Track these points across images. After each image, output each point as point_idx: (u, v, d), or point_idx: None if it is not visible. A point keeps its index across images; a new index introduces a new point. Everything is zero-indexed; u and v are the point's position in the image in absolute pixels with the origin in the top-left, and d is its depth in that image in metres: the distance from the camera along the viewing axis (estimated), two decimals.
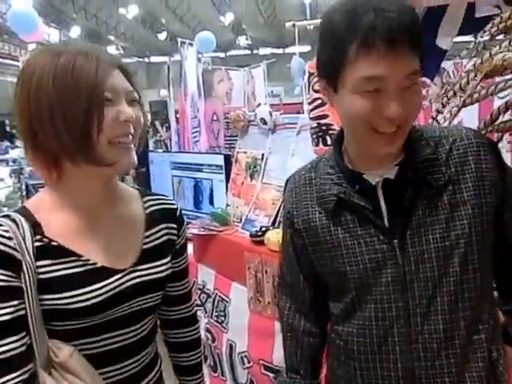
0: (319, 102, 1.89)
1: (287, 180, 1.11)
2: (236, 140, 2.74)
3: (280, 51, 22.49)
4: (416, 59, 0.82)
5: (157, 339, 1.08)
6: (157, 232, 1.02)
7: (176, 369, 1.19)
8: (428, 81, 2.00)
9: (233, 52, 24.56)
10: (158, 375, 1.05)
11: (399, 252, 0.90)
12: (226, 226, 2.37)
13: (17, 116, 0.87)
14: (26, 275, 0.82)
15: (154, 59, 25.67)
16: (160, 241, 1.01)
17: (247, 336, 2.07)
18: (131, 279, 0.93)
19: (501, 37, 1.15)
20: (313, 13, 16.39)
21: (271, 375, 1.94)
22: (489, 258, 0.92)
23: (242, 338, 2.09)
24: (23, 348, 0.81)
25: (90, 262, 0.89)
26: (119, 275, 0.91)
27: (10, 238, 0.82)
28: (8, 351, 0.80)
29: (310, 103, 1.96)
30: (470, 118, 2.01)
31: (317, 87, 1.88)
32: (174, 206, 1.09)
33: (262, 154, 2.44)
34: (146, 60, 26.16)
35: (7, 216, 0.86)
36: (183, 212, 1.13)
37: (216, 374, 2.33)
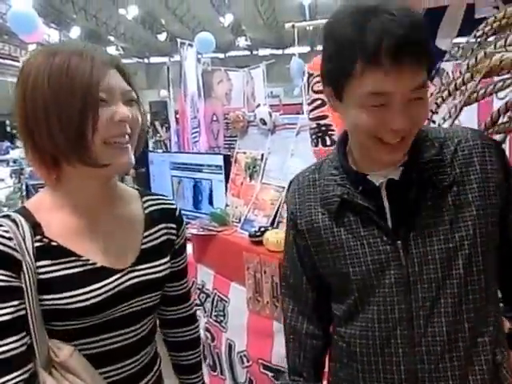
0: (319, 102, 1.89)
1: (291, 181, 1.11)
2: (235, 140, 2.75)
3: (279, 52, 22.49)
4: (424, 73, 0.82)
5: (156, 339, 1.08)
6: (156, 232, 1.02)
7: (175, 368, 1.19)
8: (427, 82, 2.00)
9: (232, 53, 24.57)
10: (157, 374, 1.05)
11: (403, 253, 0.90)
12: (225, 226, 2.37)
13: (16, 116, 0.87)
14: (26, 275, 0.82)
15: (154, 60, 25.67)
16: (159, 241, 1.01)
17: (246, 335, 2.07)
18: (130, 279, 0.93)
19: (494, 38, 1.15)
20: (312, 14, 16.40)
21: (270, 374, 1.94)
22: (493, 259, 0.92)
23: (241, 337, 2.09)
24: (23, 348, 0.82)
25: (90, 262, 0.89)
26: (118, 275, 0.91)
27: (10, 239, 0.82)
28: (8, 351, 0.80)
29: (309, 104, 1.97)
30: (468, 118, 2.01)
31: (316, 88, 1.89)
32: (174, 206, 1.09)
33: (262, 155, 2.44)
34: (146, 61, 26.17)
35: (7, 216, 0.86)
36: (183, 212, 1.13)
37: (215, 373, 2.34)
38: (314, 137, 1.94)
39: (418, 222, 0.89)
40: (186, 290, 1.15)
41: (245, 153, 2.57)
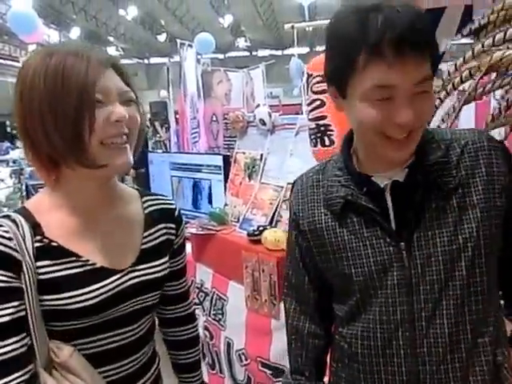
0: (318, 103, 1.89)
1: (294, 181, 1.11)
2: (235, 141, 2.76)
3: (279, 53, 22.51)
4: (427, 65, 0.81)
5: (155, 338, 1.08)
6: (155, 232, 1.02)
7: (175, 367, 1.19)
8: None
9: (232, 53, 24.60)
10: (156, 374, 1.05)
11: (406, 255, 0.89)
12: (223, 226, 2.38)
13: (15, 117, 0.87)
14: (26, 276, 0.82)
15: (154, 60, 25.70)
16: (158, 241, 1.02)
17: (244, 334, 2.08)
18: (130, 279, 0.93)
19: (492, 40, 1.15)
20: (311, 15, 16.38)
21: (268, 372, 1.95)
22: (496, 261, 0.92)
23: (240, 335, 2.10)
24: (24, 349, 0.82)
25: (90, 262, 0.89)
26: (118, 275, 0.92)
27: (10, 239, 0.82)
28: (9, 352, 0.80)
29: (308, 104, 1.97)
30: (466, 118, 2.02)
31: (315, 88, 1.89)
32: (173, 206, 1.09)
33: (261, 155, 2.45)
34: (146, 61, 26.18)
35: (7, 216, 0.86)
36: (182, 212, 1.13)
37: (214, 372, 2.34)
38: (312, 137, 1.95)
39: (422, 224, 0.89)
40: (185, 289, 1.16)
41: (244, 153, 2.58)
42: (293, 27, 3.24)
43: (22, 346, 0.81)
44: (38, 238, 0.86)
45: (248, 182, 2.49)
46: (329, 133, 1.88)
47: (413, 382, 0.91)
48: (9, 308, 0.81)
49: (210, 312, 2.33)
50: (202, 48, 5.28)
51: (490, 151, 0.90)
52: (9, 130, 13.36)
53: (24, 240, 0.83)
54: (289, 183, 2.18)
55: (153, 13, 19.58)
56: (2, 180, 5.97)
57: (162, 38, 21.69)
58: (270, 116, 2.45)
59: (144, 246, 0.98)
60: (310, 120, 1.94)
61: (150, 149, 7.15)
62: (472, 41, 1.25)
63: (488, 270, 0.89)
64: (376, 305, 0.93)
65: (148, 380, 1.02)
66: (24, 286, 0.82)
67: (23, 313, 0.82)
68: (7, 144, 10.65)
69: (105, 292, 0.88)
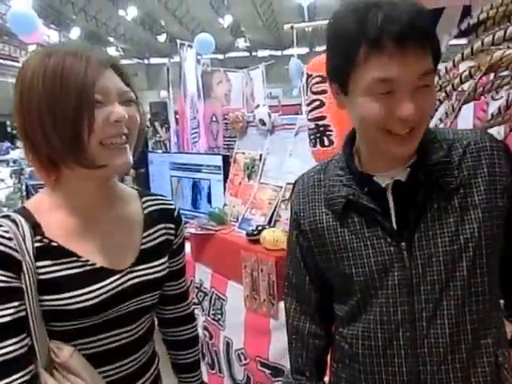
0: (317, 103, 1.89)
1: (296, 181, 1.10)
2: (235, 141, 2.76)
3: (278, 53, 22.52)
4: (429, 59, 0.81)
5: (155, 338, 1.08)
6: (155, 232, 1.02)
7: (174, 367, 1.19)
8: None
9: (232, 54, 24.61)
10: (155, 373, 1.06)
11: (406, 255, 0.89)
12: (222, 226, 2.38)
13: (14, 116, 0.87)
14: (26, 276, 0.82)
15: (154, 61, 25.71)
16: (158, 241, 1.02)
17: (243, 333, 2.08)
18: (130, 279, 0.93)
19: (489, 39, 1.15)
20: (311, 15, 16.39)
21: (267, 372, 1.96)
22: (497, 262, 0.91)
23: (239, 335, 2.11)
24: (25, 349, 0.82)
25: (90, 262, 0.89)
26: (118, 275, 0.92)
27: (10, 239, 0.82)
28: (10, 353, 0.80)
29: (308, 105, 1.97)
30: (465, 117, 2.02)
31: (315, 89, 1.89)
32: (172, 207, 1.09)
33: (260, 155, 2.46)
34: (146, 62, 26.19)
35: (7, 216, 0.86)
36: (182, 212, 1.13)
37: (214, 372, 2.35)
38: (312, 137, 1.95)
39: (423, 224, 0.89)
40: (184, 289, 1.16)
41: (244, 153, 2.58)
42: (292, 28, 3.25)
43: (22, 347, 0.81)
44: (38, 238, 0.86)
45: (247, 182, 2.49)
46: (328, 133, 1.88)
47: (413, 383, 0.91)
48: (9, 308, 0.80)
49: (209, 312, 2.33)
50: (202, 48, 5.28)
51: (492, 151, 0.90)
52: (9, 130, 13.36)
53: (24, 240, 0.83)
54: (288, 183, 2.18)
55: (153, 13, 19.58)
56: (2, 180, 5.97)
57: (161, 38, 21.69)
58: (270, 116, 2.45)
59: (143, 247, 0.98)
60: (310, 120, 1.95)
61: (149, 149, 7.16)
62: (464, 41, 1.25)
63: (489, 270, 0.89)
64: (377, 305, 0.93)
65: (148, 380, 1.02)
66: (24, 286, 0.82)
67: (23, 313, 0.82)
68: (7, 144, 10.66)
69: (105, 292, 0.88)
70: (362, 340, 0.95)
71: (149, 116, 9.36)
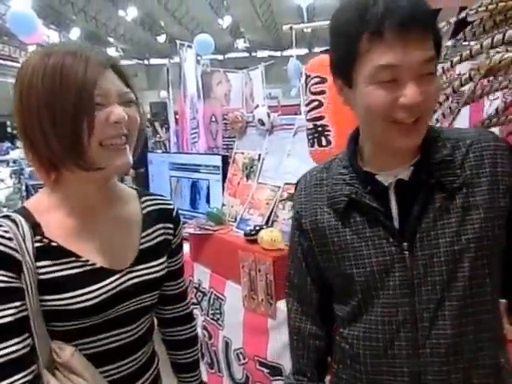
0: (316, 103, 1.90)
1: (298, 180, 1.10)
2: (234, 141, 2.77)
3: (278, 54, 22.53)
4: (431, 45, 0.81)
5: (155, 337, 1.09)
6: (153, 232, 1.02)
7: (174, 367, 1.19)
8: None
9: (231, 54, 24.61)
10: (155, 373, 1.06)
11: (408, 255, 0.89)
12: (221, 226, 2.39)
13: (15, 116, 0.87)
14: (27, 276, 0.82)
15: (154, 61, 25.72)
16: (157, 241, 1.02)
17: (242, 333, 2.09)
18: (129, 279, 0.93)
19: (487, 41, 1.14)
20: (310, 16, 16.40)
21: (266, 371, 1.97)
22: (498, 262, 0.91)
23: (238, 335, 2.11)
24: (27, 349, 0.81)
25: (89, 262, 0.89)
26: (117, 275, 0.92)
27: (10, 239, 0.81)
28: (12, 353, 0.79)
29: (306, 105, 1.98)
30: (461, 120, 2.03)
31: (314, 89, 1.90)
32: (171, 207, 1.09)
33: (259, 155, 2.47)
34: (146, 62, 26.19)
35: (7, 216, 0.85)
36: (180, 212, 1.13)
37: (213, 371, 2.35)
38: (310, 137, 1.96)
39: (425, 224, 0.88)
40: (183, 289, 1.16)
41: (243, 153, 2.59)
42: (291, 28, 3.25)
43: (24, 347, 0.81)
44: (38, 238, 0.86)
45: (246, 182, 2.50)
46: (326, 133, 1.89)
47: (415, 383, 0.91)
48: (11, 308, 0.80)
49: (208, 312, 2.34)
50: (202, 49, 5.28)
51: (495, 151, 0.89)
52: (9, 130, 13.35)
53: (24, 240, 0.83)
54: (286, 183, 2.20)
55: (152, 14, 19.59)
56: (2, 180, 5.97)
57: (161, 38, 21.69)
58: (269, 116, 2.46)
59: (142, 246, 0.98)
60: (308, 120, 1.95)
61: (149, 149, 7.16)
62: (465, 42, 1.25)
63: (491, 271, 0.88)
64: (378, 305, 0.92)
65: (147, 380, 1.02)
66: (24, 287, 0.82)
67: (25, 313, 0.82)
68: (7, 144, 10.66)
69: (105, 292, 0.88)
70: (363, 340, 0.95)
71: (149, 116, 9.36)
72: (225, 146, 3.97)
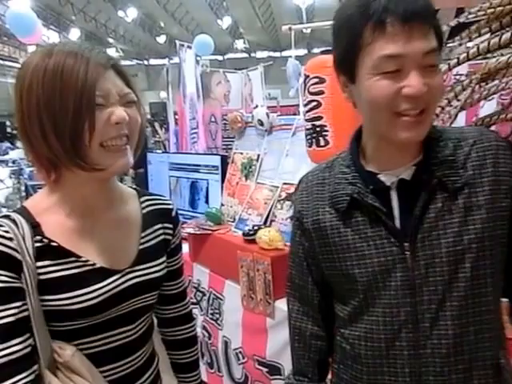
0: (314, 103, 1.91)
1: (300, 180, 1.09)
2: (233, 141, 2.78)
3: (277, 54, 22.54)
4: (433, 37, 0.81)
5: (155, 337, 1.09)
6: (153, 232, 1.02)
7: (173, 366, 1.18)
8: None
9: (231, 55, 24.65)
10: (155, 373, 1.05)
11: (410, 255, 0.88)
12: (219, 226, 2.39)
13: (15, 116, 0.87)
14: (27, 276, 0.81)
15: (154, 62, 25.75)
16: (156, 241, 1.02)
17: (241, 332, 2.10)
18: (129, 280, 0.93)
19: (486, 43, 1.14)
20: (309, 17, 16.45)
21: (264, 370, 1.98)
22: (500, 263, 0.90)
23: (237, 334, 2.12)
24: (28, 349, 0.81)
25: (89, 262, 0.89)
26: (117, 276, 0.91)
27: (10, 239, 0.81)
28: (15, 353, 0.79)
29: (305, 105, 1.99)
30: (457, 121, 2.03)
31: (312, 89, 1.90)
32: (170, 206, 1.09)
33: (258, 155, 2.48)
34: (146, 63, 26.21)
35: (7, 216, 0.85)
36: (180, 212, 1.13)
37: (213, 371, 2.36)
38: (308, 137, 1.96)
39: (427, 224, 0.88)
40: (182, 289, 1.16)
41: (242, 153, 2.60)
42: (290, 29, 3.25)
43: (26, 347, 0.81)
44: (38, 238, 0.85)
45: (244, 182, 2.51)
46: (324, 133, 1.90)
47: (416, 383, 0.90)
48: (12, 308, 0.80)
49: (207, 311, 2.35)
50: (201, 49, 5.28)
51: (497, 150, 0.89)
52: (9, 130, 13.34)
53: (24, 240, 0.83)
54: (284, 183, 2.21)
55: (152, 14, 19.61)
56: (2, 181, 5.95)
57: (161, 39, 21.73)
58: (268, 117, 2.47)
59: (142, 247, 0.98)
60: (307, 120, 1.96)
61: (148, 149, 7.16)
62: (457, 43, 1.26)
63: (492, 271, 0.88)
64: (379, 306, 0.91)
65: (147, 379, 1.02)
66: (25, 287, 0.82)
67: (26, 313, 0.82)
68: (7, 144, 10.66)
69: (105, 292, 0.88)
70: (365, 341, 0.94)
71: (148, 116, 9.38)
72: (224, 146, 3.98)
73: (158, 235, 1.03)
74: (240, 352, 2.12)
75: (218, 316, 2.27)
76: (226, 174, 2.65)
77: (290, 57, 4.59)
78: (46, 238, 0.86)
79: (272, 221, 2.17)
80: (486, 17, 1.14)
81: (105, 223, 0.95)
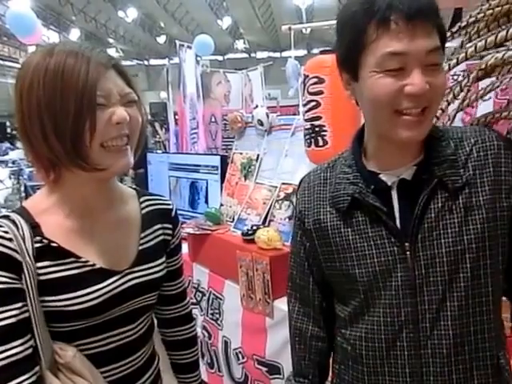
0: (313, 103, 1.91)
1: (301, 180, 1.09)
2: (233, 141, 2.78)
3: (277, 55, 22.55)
4: (436, 35, 0.81)
5: (155, 338, 1.09)
6: (152, 232, 1.02)
7: (174, 367, 1.17)
8: None
9: (231, 55, 24.65)
10: (155, 373, 1.05)
11: (410, 255, 0.88)
12: (219, 226, 2.40)
13: (15, 116, 0.86)
14: (27, 277, 0.81)
15: (154, 62, 25.75)
16: (155, 241, 1.02)
17: (241, 332, 2.10)
18: (129, 280, 0.93)
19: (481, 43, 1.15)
20: (309, 17, 16.45)
21: (264, 369, 1.98)
22: (500, 262, 0.90)
23: (236, 334, 2.12)
24: (30, 350, 0.81)
25: (89, 263, 0.88)
26: (117, 276, 0.91)
27: (10, 240, 0.81)
28: (16, 354, 0.79)
29: (304, 105, 1.99)
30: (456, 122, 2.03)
31: (312, 90, 1.91)
32: (170, 207, 1.09)
33: (257, 155, 2.48)
34: (146, 63, 26.21)
35: (6, 217, 0.85)
36: (180, 212, 1.13)
37: (213, 371, 2.36)
38: (307, 137, 1.96)
39: (427, 224, 0.87)
40: (182, 289, 1.15)
41: (241, 153, 2.60)
42: (290, 29, 3.25)
43: (27, 348, 0.81)
44: (38, 238, 0.85)
45: (244, 182, 2.51)
46: (323, 133, 1.90)
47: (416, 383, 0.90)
48: (13, 310, 0.80)
49: (207, 311, 2.35)
50: (201, 50, 5.27)
51: (498, 150, 0.89)
52: (9, 130, 13.33)
53: (24, 241, 0.82)
54: (283, 183, 2.21)
55: (152, 15, 19.60)
56: (1, 181, 5.95)
57: (161, 39, 21.73)
58: (268, 117, 2.47)
59: (142, 247, 0.98)
60: (306, 120, 1.96)
61: (148, 149, 7.16)
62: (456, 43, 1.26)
63: (493, 271, 0.88)
64: (380, 306, 0.92)
65: (148, 379, 1.02)
66: (25, 288, 0.81)
67: (27, 314, 0.81)
68: (7, 144, 10.65)
69: (105, 293, 0.88)
70: (366, 341, 0.94)
71: (148, 116, 9.37)
72: (224, 147, 3.98)
73: (158, 235, 1.03)
74: (240, 352, 2.12)
75: (217, 316, 2.27)
76: (226, 174, 2.65)
77: (290, 57, 4.59)
78: (46, 238, 0.86)
79: (271, 221, 2.18)
80: (485, 18, 1.15)
81: (104, 223, 0.95)
